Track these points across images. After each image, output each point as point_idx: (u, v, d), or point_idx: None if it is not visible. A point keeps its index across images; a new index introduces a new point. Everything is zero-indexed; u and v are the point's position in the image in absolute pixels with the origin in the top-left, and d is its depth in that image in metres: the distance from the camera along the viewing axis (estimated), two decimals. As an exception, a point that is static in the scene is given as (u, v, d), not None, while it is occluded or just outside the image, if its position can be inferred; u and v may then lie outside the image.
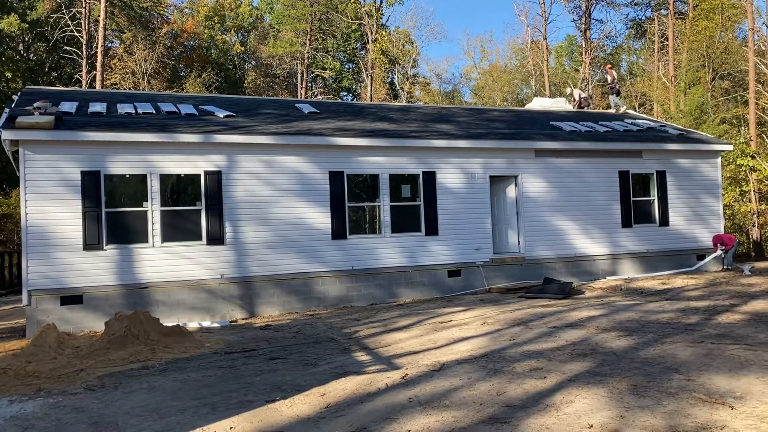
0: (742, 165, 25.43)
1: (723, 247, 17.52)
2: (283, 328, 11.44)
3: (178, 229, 13.38)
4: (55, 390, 7.33)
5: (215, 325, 12.61)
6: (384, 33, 43.44)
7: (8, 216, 34.78)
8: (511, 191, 16.58)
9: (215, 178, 13.65)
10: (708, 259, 17.71)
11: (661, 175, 17.95)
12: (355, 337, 9.85)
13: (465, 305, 12.85)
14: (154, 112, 14.78)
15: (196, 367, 8.15)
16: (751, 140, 26.97)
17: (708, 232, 18.38)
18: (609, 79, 24.43)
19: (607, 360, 6.99)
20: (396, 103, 29.65)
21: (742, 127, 30.98)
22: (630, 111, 24.00)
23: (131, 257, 12.96)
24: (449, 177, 15.66)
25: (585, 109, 23.32)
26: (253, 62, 56.01)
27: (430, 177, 15.46)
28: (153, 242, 13.11)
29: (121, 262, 12.89)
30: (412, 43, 57.08)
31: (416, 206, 15.41)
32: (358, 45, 55.14)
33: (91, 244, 12.64)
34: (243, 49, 56.29)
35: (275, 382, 7.05)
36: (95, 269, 12.67)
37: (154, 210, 13.14)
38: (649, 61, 41.08)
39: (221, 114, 15.24)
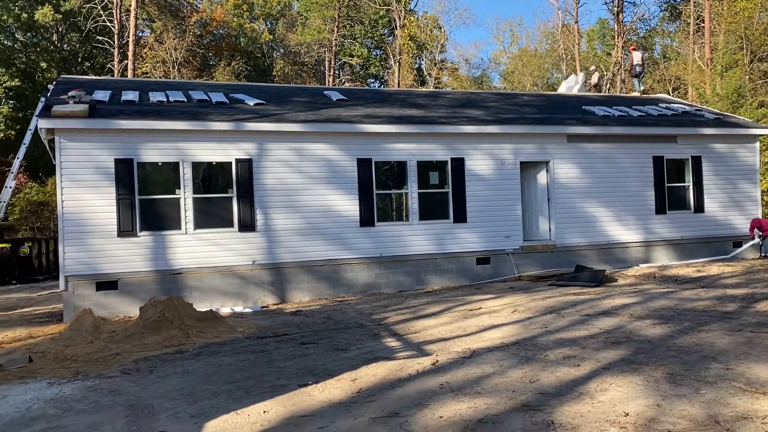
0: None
1: (760, 233, 17.09)
2: (314, 313, 11.52)
3: (210, 216, 13.53)
4: (92, 373, 7.49)
5: (247, 310, 12.75)
6: (412, 18, 43.11)
7: (44, 204, 35.59)
8: (542, 177, 16.37)
9: (246, 165, 13.74)
10: (745, 246, 17.31)
11: (697, 161, 17.56)
12: (385, 323, 9.86)
13: (494, 293, 12.77)
14: (185, 100, 14.91)
15: (229, 351, 8.25)
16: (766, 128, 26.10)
17: (745, 218, 17.95)
18: (630, 60, 23.93)
19: (642, 348, 6.88)
20: (424, 89, 29.46)
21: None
22: (664, 95, 23.47)
23: (164, 244, 13.15)
24: (478, 163, 15.53)
25: (601, 92, 22.98)
26: (282, 50, 56.22)
27: (458, 163, 15.35)
28: (186, 229, 13.28)
29: (154, 248, 13.08)
30: (440, 28, 56.66)
31: (444, 193, 15.33)
32: (386, 31, 54.93)
33: (125, 230, 12.85)
34: (271, 37, 56.52)
35: (307, 367, 7.10)
36: (129, 256, 12.89)
37: (186, 197, 13.30)
38: (684, 44, 40.10)
39: (251, 102, 15.31)
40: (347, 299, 13.64)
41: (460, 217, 15.31)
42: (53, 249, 24.84)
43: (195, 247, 13.34)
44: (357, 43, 51.04)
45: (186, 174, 13.33)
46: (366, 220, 14.54)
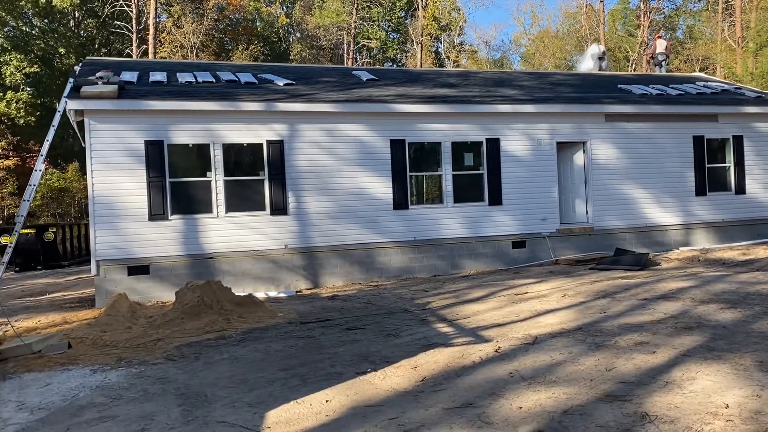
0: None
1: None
2: (351, 298, 11.19)
3: (241, 199, 13.21)
4: (135, 360, 7.22)
5: (282, 294, 12.45)
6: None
7: (65, 190, 35.60)
8: (578, 158, 15.87)
9: (277, 147, 13.39)
10: (789, 228, 16.73)
11: (738, 140, 16.95)
12: (429, 308, 9.51)
13: (535, 277, 12.37)
14: (213, 80, 14.56)
15: (273, 337, 7.95)
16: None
17: (788, 200, 17.36)
18: (654, 48, 23.25)
19: (719, 334, 6.47)
20: (454, 69, 28.90)
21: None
22: (700, 74, 22.78)
23: (196, 227, 12.87)
24: (514, 144, 15.06)
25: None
26: (298, 34, 55.66)
27: (493, 144, 14.89)
28: (217, 212, 12.98)
29: (186, 232, 12.81)
30: (459, 10, 55.80)
31: (479, 175, 14.89)
32: (403, 14, 54.15)
33: (156, 214, 12.57)
34: (288, 20, 55.96)
35: (360, 353, 6.77)
36: (161, 239, 12.62)
37: (217, 180, 12.98)
38: (711, 23, 39.05)
39: (281, 82, 14.93)
40: (382, 284, 13.30)
41: (496, 199, 14.87)
42: (77, 234, 24.76)
43: (226, 231, 13.05)
44: (375, 26, 50.38)
45: (217, 156, 13.00)
46: (399, 203, 14.15)
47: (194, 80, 14.38)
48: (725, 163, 16.95)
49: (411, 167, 14.31)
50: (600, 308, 8.30)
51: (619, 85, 18.24)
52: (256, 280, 13.19)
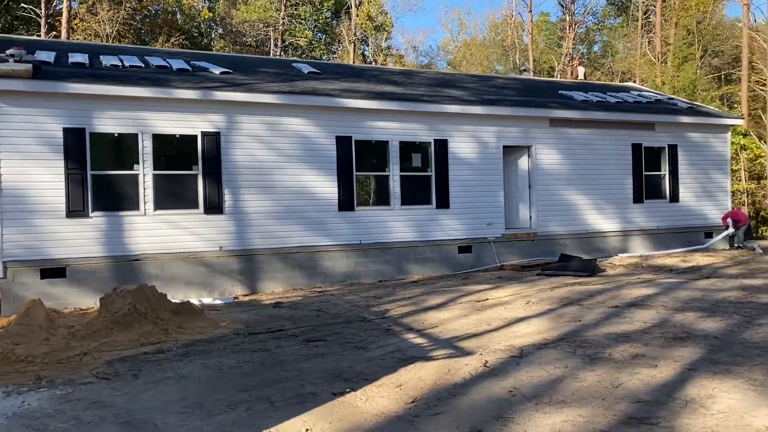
0: (734, 143, 25.08)
1: (736, 224, 16.99)
2: (298, 305, 10.31)
3: (172, 196, 12.04)
4: (59, 378, 6.11)
5: (218, 301, 11.39)
6: (369, -1, 41.63)
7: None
8: (523, 163, 15.64)
9: (213, 139, 12.32)
10: (721, 236, 17.19)
11: (673, 149, 17.27)
12: (389, 316, 8.80)
13: (486, 283, 11.92)
14: (142, 65, 13.30)
15: (222, 350, 7.00)
16: (743, 117, 26.64)
17: (716, 208, 17.86)
18: (575, 74, 23.74)
19: (714, 345, 6.12)
20: (397, 67, 28.38)
21: (731, 106, 30.75)
22: (632, 84, 23.32)
23: (120, 226, 11.60)
24: (462, 146, 14.62)
25: None
26: (221, 30, 53.66)
27: (441, 145, 14.39)
28: (145, 210, 11.76)
29: (108, 231, 11.51)
30: (386, 14, 55.50)
31: (427, 177, 14.35)
32: (330, 15, 53.27)
33: (75, 210, 11.22)
34: (211, 15, 53.85)
35: (331, 370, 5.96)
36: (80, 239, 11.28)
37: (146, 174, 11.77)
38: (632, 38, 40.55)
39: (216, 70, 13.84)
40: (327, 290, 12.48)
41: (443, 202, 14.38)
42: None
43: (155, 231, 11.85)
44: (302, 25, 49.25)
45: (146, 147, 11.79)
46: (345, 204, 13.38)
47: (120, 64, 13.07)
48: (661, 171, 17.22)
49: (357, 166, 13.57)
50: (572, 316, 7.86)
51: (560, 91, 18.26)
52: (188, 285, 12.05)
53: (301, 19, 48.39)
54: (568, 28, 39.74)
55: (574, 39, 39.54)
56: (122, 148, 11.85)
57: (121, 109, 11.61)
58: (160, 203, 11.90)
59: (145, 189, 11.76)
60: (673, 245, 16.99)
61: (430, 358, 6.18)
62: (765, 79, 25.51)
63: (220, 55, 18.48)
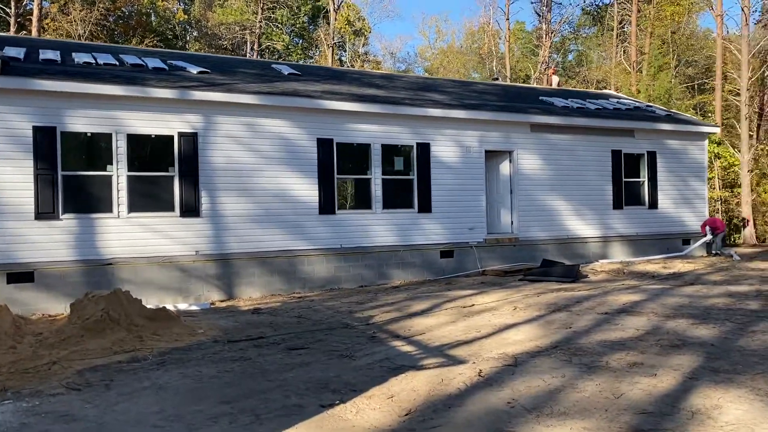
0: (708, 151, 25.32)
1: (714, 232, 17.07)
2: (278, 312, 9.99)
3: (147, 198, 11.64)
4: (25, 389, 5.72)
5: (194, 307, 10.99)
6: (349, 2, 41.37)
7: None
8: (505, 168, 15.52)
9: (191, 140, 11.95)
10: (698, 243, 17.24)
11: (652, 156, 17.32)
12: (374, 323, 8.53)
13: (470, 288, 11.72)
14: (116, 63, 12.88)
15: (200, 359, 6.66)
16: (719, 126, 26.97)
17: (694, 215, 17.96)
18: (549, 82, 23.94)
19: (712, 353, 5.97)
20: (378, 71, 28.18)
21: (705, 115, 31.15)
22: (610, 91, 23.45)
23: (92, 229, 11.16)
24: (444, 150, 14.44)
25: None
26: (196, 33, 52.94)
27: (424, 149, 14.19)
28: (118, 212, 11.33)
29: (80, 234, 11.06)
30: (363, 20, 55.36)
31: (409, 180, 14.14)
32: (307, 19, 52.92)
33: (44, 212, 10.76)
34: (186, 17, 53.11)
35: (317, 380, 5.67)
36: (49, 242, 10.81)
37: (119, 175, 11.34)
38: (606, 47, 40.95)
39: (194, 70, 13.48)
40: (306, 295, 12.16)
41: (425, 206, 14.17)
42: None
43: (129, 234, 11.43)
44: (279, 29, 48.82)
45: (120, 147, 11.37)
46: (326, 207, 13.09)
47: (94, 62, 12.64)
48: (639, 178, 17.25)
49: (339, 169, 13.31)
50: (562, 323, 7.68)
51: (540, 97, 18.22)
52: (162, 290, 11.64)
53: (278, 23, 47.98)
54: (544, 36, 39.96)
55: (550, 47, 39.76)
56: (95, 148, 11.43)
57: (95, 107, 11.19)
58: (135, 205, 11.48)
59: (118, 191, 11.34)
60: (651, 252, 17.02)
61: (421, 367, 5.93)
62: (738, 89, 25.88)
63: (197, 54, 18.08)
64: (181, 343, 7.45)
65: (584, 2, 43.71)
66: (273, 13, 46.89)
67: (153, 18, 51.22)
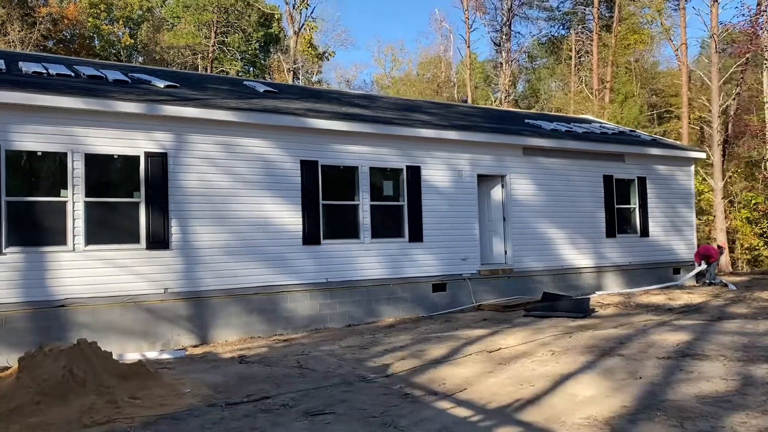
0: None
1: (708, 260, 16.44)
2: (268, 360, 8.49)
3: (108, 228, 10.01)
4: (-36, 492, 4.12)
5: (166, 356, 9.36)
6: (311, 24, 40.25)
7: None
8: (497, 193, 14.49)
9: (159, 161, 10.42)
10: (694, 272, 16.57)
11: (642, 182, 16.66)
12: (395, 374, 7.18)
13: (478, 327, 10.49)
14: (72, 74, 11.30)
15: (199, 433, 5.16)
16: (705, 151, 26.88)
17: (683, 243, 17.35)
18: None
19: None
20: (356, 91, 27.04)
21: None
22: (589, 116, 22.99)
23: (43, 264, 9.44)
24: (435, 174, 13.31)
25: None
26: (141, 58, 50.86)
27: (414, 172, 13.03)
28: (74, 245, 9.65)
29: (27, 270, 9.32)
30: (316, 48, 54.46)
31: (399, 207, 12.92)
32: (258, 47, 51.64)
33: (-17, 245, 9.01)
34: (133, 41, 51.01)
35: (370, 465, 4.29)
36: (-11, 281, 9.05)
37: (76, 201, 9.70)
38: (564, 76, 41.13)
39: (161, 83, 12.00)
40: (291, 337, 10.68)
41: (417, 235, 12.95)
42: None
43: (86, 270, 9.75)
44: (231, 56, 47.36)
45: (77, 169, 9.75)
46: (310, 237, 11.71)
47: (45, 72, 11.02)
48: (630, 204, 16.54)
49: (324, 194, 11.97)
50: (626, 372, 6.52)
51: (525, 120, 17.42)
52: (126, 335, 9.97)
53: (231, 48, 46.52)
54: (504, 64, 39.85)
55: (511, 76, 39.65)
56: (47, 170, 9.78)
57: (47, 123, 9.57)
58: (93, 237, 9.83)
59: (74, 219, 9.68)
60: (643, 281, 16.24)
61: (499, 441, 4.62)
62: (705, 117, 25.98)
63: (160, 69, 16.55)
64: (169, 409, 5.91)
65: (540, 33, 43.92)
66: (226, 37, 45.42)
67: (96, 42, 49.01)
